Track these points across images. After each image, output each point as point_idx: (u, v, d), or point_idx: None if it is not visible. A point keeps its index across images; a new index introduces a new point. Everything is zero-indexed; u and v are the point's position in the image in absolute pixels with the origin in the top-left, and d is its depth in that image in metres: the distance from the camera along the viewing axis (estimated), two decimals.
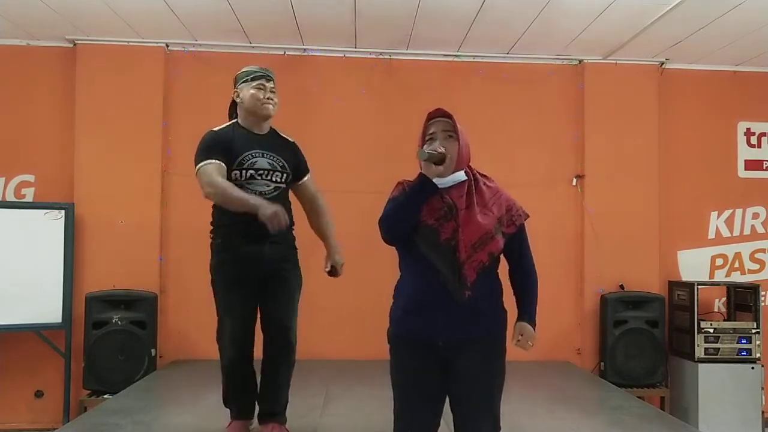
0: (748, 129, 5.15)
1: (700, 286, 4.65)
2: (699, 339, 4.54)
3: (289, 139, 3.01)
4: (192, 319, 4.48)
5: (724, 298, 4.96)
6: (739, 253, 5.10)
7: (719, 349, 4.54)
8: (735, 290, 4.87)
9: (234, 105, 2.96)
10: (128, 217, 4.62)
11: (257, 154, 2.82)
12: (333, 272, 2.99)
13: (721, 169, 5.11)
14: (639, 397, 4.07)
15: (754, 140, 5.15)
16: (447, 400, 2.19)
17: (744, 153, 5.14)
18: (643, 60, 4.93)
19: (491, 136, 4.80)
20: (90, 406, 3.97)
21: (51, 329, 4.39)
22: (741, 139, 5.14)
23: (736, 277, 5.06)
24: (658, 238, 4.92)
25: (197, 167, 2.74)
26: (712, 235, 5.09)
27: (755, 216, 5.12)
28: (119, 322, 4.33)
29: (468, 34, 4.51)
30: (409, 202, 2.12)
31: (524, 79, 4.96)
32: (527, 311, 2.21)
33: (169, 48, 4.79)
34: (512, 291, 2.25)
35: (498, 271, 2.21)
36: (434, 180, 2.12)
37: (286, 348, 2.86)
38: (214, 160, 2.71)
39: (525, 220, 2.23)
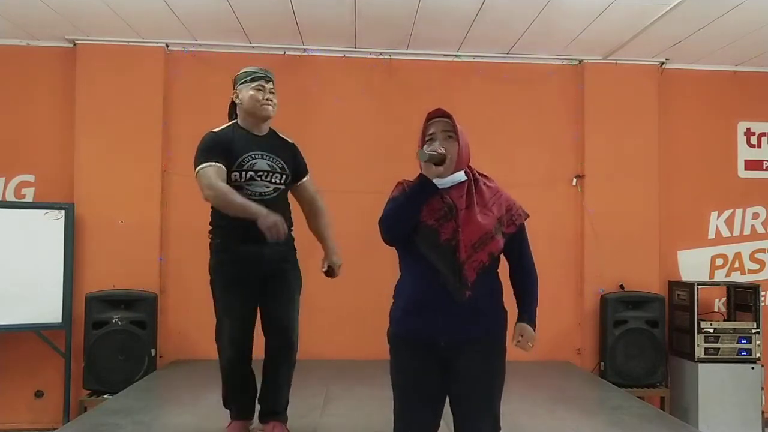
0: (748, 129, 5.15)
1: (700, 286, 4.65)
2: (699, 339, 4.54)
3: (289, 140, 3.01)
4: (192, 319, 4.48)
5: (724, 298, 4.96)
6: (739, 253, 5.10)
7: (719, 349, 4.54)
8: (735, 290, 4.87)
9: (233, 106, 2.95)
10: (128, 217, 4.62)
11: (257, 156, 2.82)
12: (330, 272, 2.97)
13: (721, 169, 5.11)
14: (639, 397, 4.07)
15: (754, 140, 5.15)
16: (447, 400, 2.19)
17: (744, 153, 5.14)
18: (643, 60, 4.93)
19: (491, 136, 4.80)
20: (90, 406, 3.97)
21: (51, 329, 4.39)
22: (741, 139, 5.14)
23: (736, 277, 5.06)
24: (658, 238, 4.92)
25: (197, 169, 2.74)
26: (712, 235, 5.09)
27: (755, 216, 5.12)
28: (119, 322, 4.33)
29: (468, 34, 4.51)
30: (409, 202, 2.12)
31: (524, 79, 4.96)
32: (527, 312, 2.21)
33: (169, 48, 4.79)
34: (512, 291, 2.25)
35: (498, 271, 2.21)
36: (434, 180, 2.12)
37: (287, 348, 2.87)
38: (214, 163, 2.71)
39: (525, 219, 2.23)
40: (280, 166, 2.88)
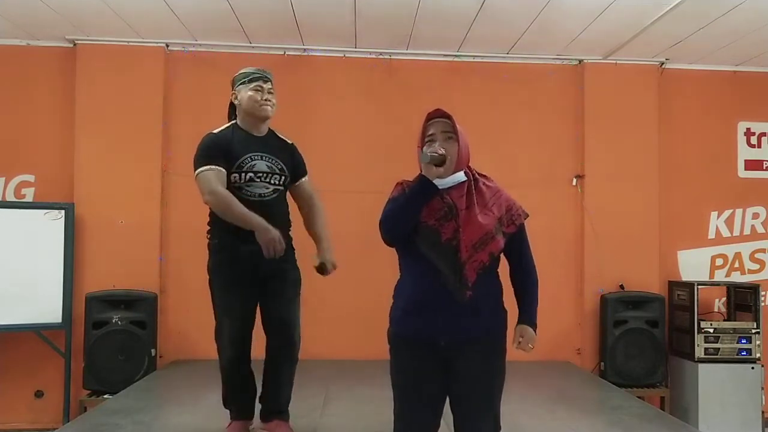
0: (748, 129, 5.15)
1: (700, 286, 4.65)
2: (699, 339, 4.54)
3: (288, 141, 3.01)
4: (192, 319, 4.47)
5: (724, 298, 4.96)
6: (739, 253, 5.10)
7: (719, 349, 4.54)
8: (735, 290, 4.87)
9: (233, 107, 2.95)
10: (128, 217, 4.62)
11: (256, 157, 2.82)
12: (322, 268, 2.89)
13: (721, 169, 5.11)
14: (639, 397, 4.07)
15: (754, 140, 5.15)
16: (447, 400, 2.19)
17: (744, 153, 5.14)
18: (643, 60, 4.92)
19: (491, 136, 4.80)
20: (90, 406, 3.97)
21: (51, 329, 4.39)
22: (741, 139, 5.14)
23: (736, 277, 5.06)
24: (658, 238, 4.92)
25: (197, 172, 2.74)
26: (712, 235, 5.09)
27: (755, 216, 5.12)
28: (119, 322, 4.33)
29: (468, 34, 4.50)
30: (410, 203, 2.12)
31: (524, 79, 4.96)
32: (527, 312, 2.21)
33: (169, 48, 4.79)
34: (512, 291, 2.25)
35: (498, 271, 2.22)
36: (434, 181, 2.12)
37: (288, 346, 2.87)
38: (214, 166, 2.71)
39: (525, 219, 2.24)
40: (279, 167, 2.88)
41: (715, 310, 5.00)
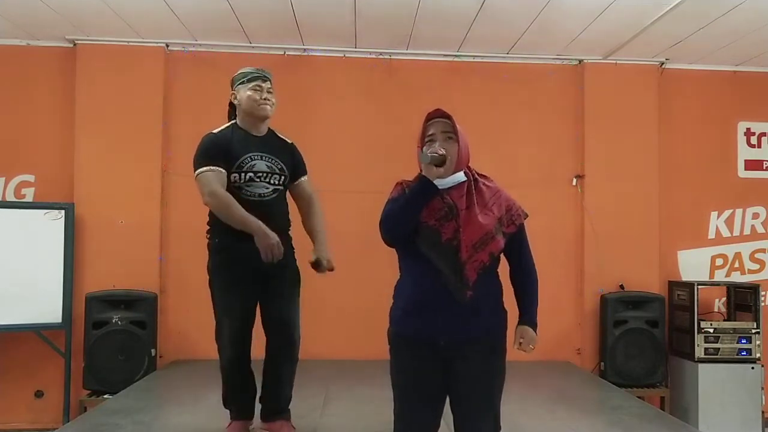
0: (748, 129, 5.15)
1: (700, 286, 4.65)
2: (699, 339, 4.54)
3: (287, 141, 3.01)
4: (192, 319, 4.47)
5: (724, 298, 4.96)
6: (739, 253, 5.10)
7: (719, 349, 4.54)
8: (735, 290, 4.87)
9: (232, 107, 2.95)
10: (128, 217, 4.61)
11: (256, 157, 2.82)
12: (317, 264, 2.85)
13: (721, 169, 5.11)
14: (639, 397, 4.07)
15: (754, 140, 5.15)
16: (447, 400, 2.19)
17: (744, 153, 5.14)
18: (643, 60, 4.92)
19: (491, 136, 4.80)
20: (90, 406, 3.97)
21: (51, 329, 4.39)
22: (741, 139, 5.14)
23: (736, 277, 5.06)
24: (658, 238, 4.92)
25: (197, 172, 2.74)
26: (712, 235, 5.09)
27: (755, 216, 5.12)
28: (119, 322, 4.33)
29: (468, 34, 4.50)
30: (410, 204, 2.12)
31: (524, 79, 4.96)
32: (528, 313, 2.21)
33: (169, 48, 4.79)
34: (513, 291, 2.25)
35: (498, 271, 2.22)
36: (434, 181, 2.12)
37: (289, 345, 2.87)
38: (214, 167, 2.71)
39: (524, 219, 2.24)
40: (279, 167, 2.88)
41: (715, 310, 5.00)
